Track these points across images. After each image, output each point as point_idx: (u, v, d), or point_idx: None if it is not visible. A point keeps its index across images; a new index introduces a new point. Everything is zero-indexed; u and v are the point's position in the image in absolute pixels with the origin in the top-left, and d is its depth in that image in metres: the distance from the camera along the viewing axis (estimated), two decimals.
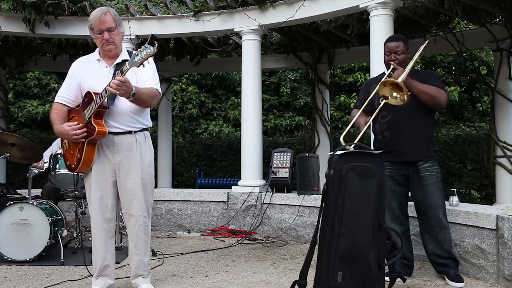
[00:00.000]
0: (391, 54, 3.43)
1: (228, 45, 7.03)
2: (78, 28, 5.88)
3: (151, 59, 2.78)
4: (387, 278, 2.84)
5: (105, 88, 2.82)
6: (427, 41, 3.52)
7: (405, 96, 3.09)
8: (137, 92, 2.84)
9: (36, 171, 4.71)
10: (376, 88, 3.26)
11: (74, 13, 5.83)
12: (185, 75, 11.73)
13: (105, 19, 2.99)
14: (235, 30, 5.81)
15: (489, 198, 7.15)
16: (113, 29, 3.01)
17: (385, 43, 3.55)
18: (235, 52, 7.59)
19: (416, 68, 3.62)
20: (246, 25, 5.66)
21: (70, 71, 3.13)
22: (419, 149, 3.38)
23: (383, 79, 3.23)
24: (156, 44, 2.68)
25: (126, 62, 2.76)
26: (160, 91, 3.07)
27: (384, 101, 3.23)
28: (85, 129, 2.93)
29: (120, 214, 3.83)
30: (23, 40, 6.37)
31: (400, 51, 3.41)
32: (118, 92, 2.76)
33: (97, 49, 3.14)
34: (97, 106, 2.88)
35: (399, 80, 3.14)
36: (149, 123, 3.18)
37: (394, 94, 3.15)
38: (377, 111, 3.34)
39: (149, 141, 3.17)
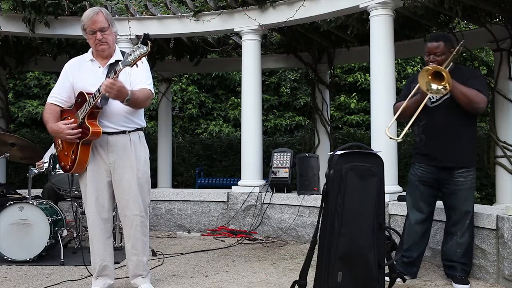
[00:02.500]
0: (430, 55, 3.24)
1: (228, 45, 7.03)
2: (78, 28, 5.72)
3: (144, 59, 2.75)
4: (387, 278, 2.84)
5: (98, 89, 2.80)
6: (462, 41, 3.38)
7: (447, 84, 2.95)
8: (132, 97, 2.81)
9: (36, 171, 4.71)
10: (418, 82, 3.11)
11: (74, 13, 5.83)
12: (185, 75, 11.73)
13: (97, 19, 2.98)
14: (235, 30, 5.81)
15: (489, 198, 7.15)
16: (105, 29, 3.00)
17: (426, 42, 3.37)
18: (235, 52, 7.58)
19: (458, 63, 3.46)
20: (246, 25, 5.65)
21: (63, 71, 3.11)
22: (454, 155, 3.20)
23: (424, 67, 3.07)
24: (150, 44, 2.65)
25: (120, 62, 2.73)
26: (153, 91, 3.04)
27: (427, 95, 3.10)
28: (80, 129, 2.90)
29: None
30: (23, 40, 6.36)
31: (439, 52, 3.21)
32: (107, 94, 2.72)
33: (90, 49, 3.12)
34: (90, 107, 2.85)
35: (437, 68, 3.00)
36: (143, 123, 3.16)
37: (434, 86, 3.03)
38: (421, 106, 3.16)
39: (144, 140, 3.14)
